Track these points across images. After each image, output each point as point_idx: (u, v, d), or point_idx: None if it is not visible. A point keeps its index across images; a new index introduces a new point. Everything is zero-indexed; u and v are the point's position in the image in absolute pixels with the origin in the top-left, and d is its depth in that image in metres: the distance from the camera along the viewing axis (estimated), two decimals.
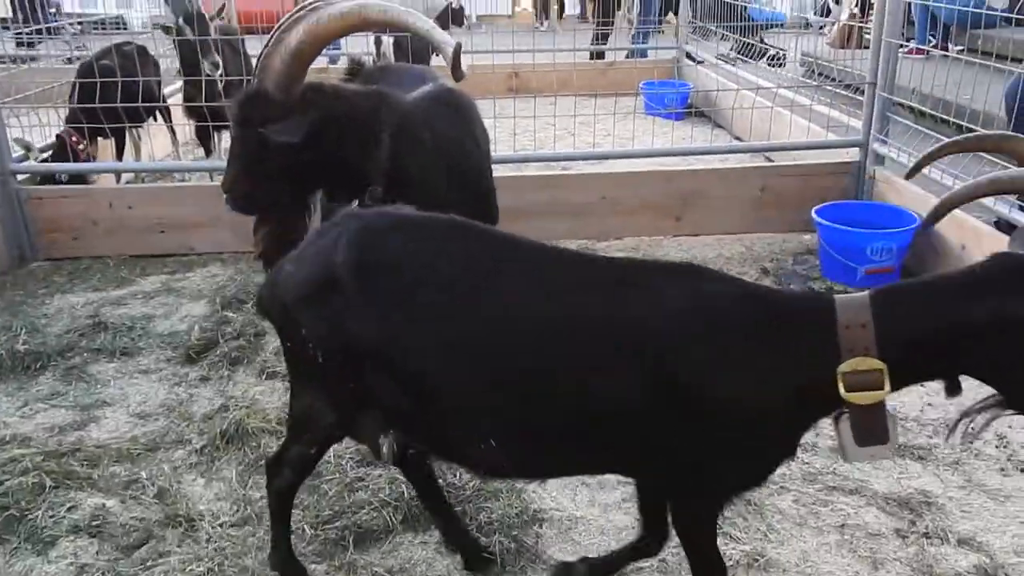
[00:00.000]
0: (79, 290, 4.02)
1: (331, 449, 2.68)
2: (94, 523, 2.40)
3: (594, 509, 2.49)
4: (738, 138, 6.56)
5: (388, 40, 7.90)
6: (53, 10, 8.85)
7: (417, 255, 1.76)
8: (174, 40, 5.20)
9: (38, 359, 3.32)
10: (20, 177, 4.48)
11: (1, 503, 2.46)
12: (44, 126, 4.98)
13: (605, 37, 9.50)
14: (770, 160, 5.67)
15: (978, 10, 5.56)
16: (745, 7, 7.95)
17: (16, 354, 3.33)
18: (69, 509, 2.44)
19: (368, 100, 2.53)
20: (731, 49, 8.03)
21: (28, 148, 4.64)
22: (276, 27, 2.41)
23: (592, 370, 1.63)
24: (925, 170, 3.96)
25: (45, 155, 4.84)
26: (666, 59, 8.78)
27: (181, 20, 5.03)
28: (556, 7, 14.43)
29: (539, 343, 1.66)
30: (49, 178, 4.69)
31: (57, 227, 4.40)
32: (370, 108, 2.50)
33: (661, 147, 5.58)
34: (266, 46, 2.40)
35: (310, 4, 2.47)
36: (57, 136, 4.88)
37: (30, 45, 7.28)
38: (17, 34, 6.22)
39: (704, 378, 1.59)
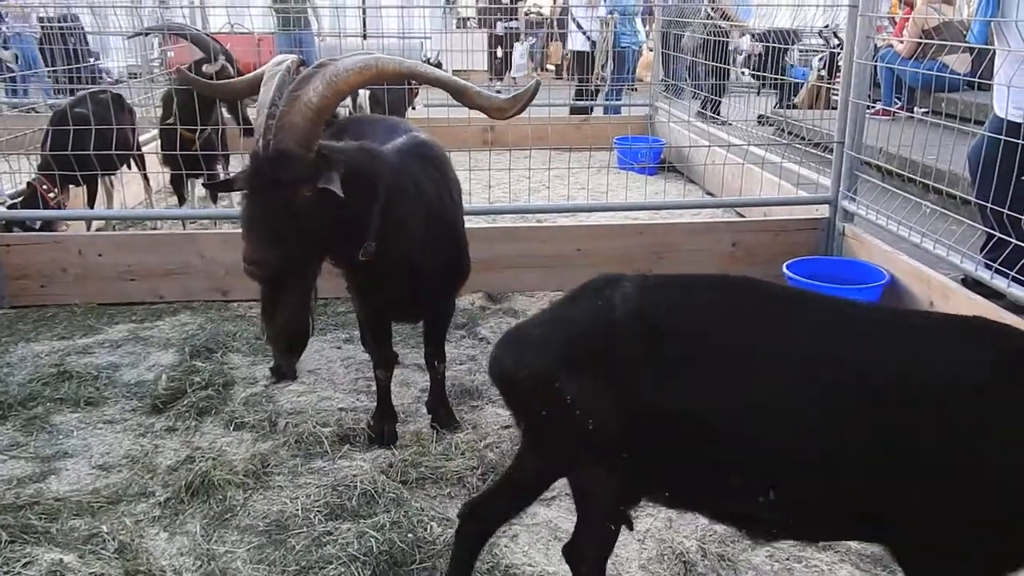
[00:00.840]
0: (44, 338, 3.95)
1: (298, 502, 2.65)
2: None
3: (566, 565, 2.44)
4: (710, 193, 6.67)
5: (364, 92, 7.99)
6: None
7: (703, 316, 1.71)
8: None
9: None
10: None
11: None
12: (15, 173, 4.94)
13: (585, 93, 9.70)
14: (741, 215, 5.76)
15: (941, 74, 5.74)
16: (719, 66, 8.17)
17: None
18: (25, 565, 2.35)
19: (363, 154, 2.56)
20: (704, 107, 8.23)
21: None
22: (278, 90, 2.41)
23: (896, 431, 1.55)
24: (893, 226, 4.07)
25: (14, 202, 4.79)
26: (639, 115, 8.95)
27: (223, 58, 5.05)
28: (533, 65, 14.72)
29: (832, 403, 1.59)
30: (19, 225, 4.64)
31: (25, 274, 4.33)
32: (372, 161, 2.54)
33: (635, 201, 5.66)
34: (273, 105, 2.38)
35: (289, 60, 2.56)
36: (28, 183, 4.84)
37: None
38: None
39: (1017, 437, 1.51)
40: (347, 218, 2.47)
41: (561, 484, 2.76)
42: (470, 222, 3.80)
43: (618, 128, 8.15)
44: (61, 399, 3.34)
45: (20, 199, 4.81)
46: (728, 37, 8.29)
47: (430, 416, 3.20)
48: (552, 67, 15.45)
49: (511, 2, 12.65)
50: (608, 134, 7.58)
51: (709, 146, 6.17)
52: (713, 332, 1.69)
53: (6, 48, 9.37)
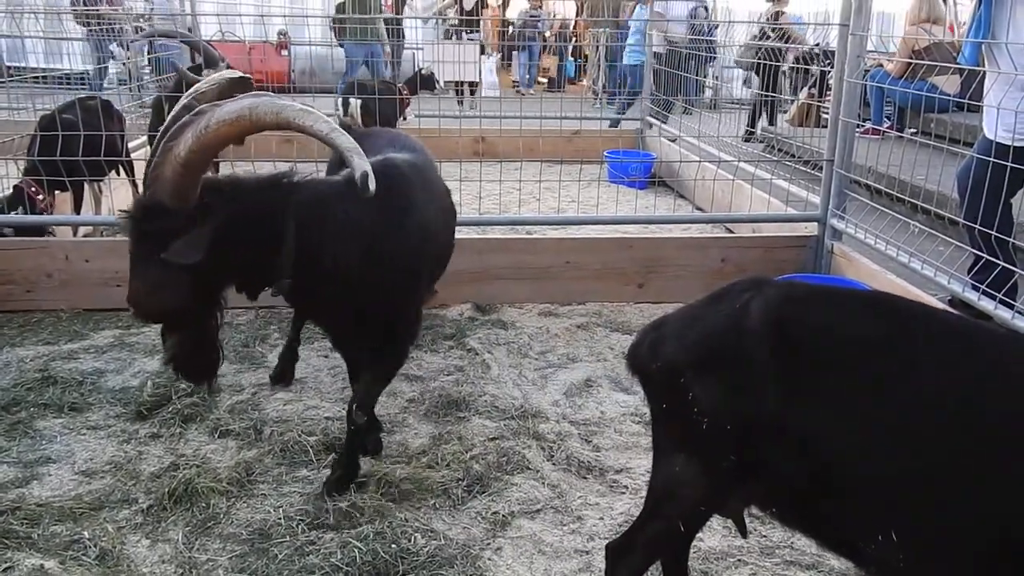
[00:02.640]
0: (29, 343, 3.92)
1: (280, 511, 2.64)
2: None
3: None
4: (700, 208, 6.70)
5: (355, 102, 8.01)
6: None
7: (839, 329, 1.66)
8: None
9: None
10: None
11: None
12: (3, 177, 4.91)
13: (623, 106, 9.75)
14: (731, 231, 5.79)
15: (931, 95, 5.80)
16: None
17: None
18: (5, 570, 2.33)
19: (274, 190, 2.46)
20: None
21: None
22: (161, 134, 2.32)
23: None
24: (881, 246, 4.10)
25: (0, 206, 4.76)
26: (630, 129, 9.00)
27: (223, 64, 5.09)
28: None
29: (972, 435, 1.51)
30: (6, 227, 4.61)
31: (11, 279, 4.30)
32: (275, 199, 2.43)
33: (625, 215, 5.68)
34: (153, 155, 2.31)
35: (194, 103, 2.40)
36: (15, 187, 4.81)
37: None
38: None
39: None
40: (241, 262, 2.42)
41: (545, 496, 2.78)
42: (459, 233, 3.80)
43: (609, 142, 8.20)
44: (45, 404, 3.32)
45: (9, 201, 4.78)
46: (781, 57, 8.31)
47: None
48: (544, 80, 15.53)
49: (476, 13, 12.56)
50: (599, 148, 7.62)
51: (699, 161, 6.21)
52: (851, 352, 1.63)
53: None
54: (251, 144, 5.50)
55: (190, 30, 7.81)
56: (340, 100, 8.15)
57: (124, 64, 8.40)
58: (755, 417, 1.64)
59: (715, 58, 9.23)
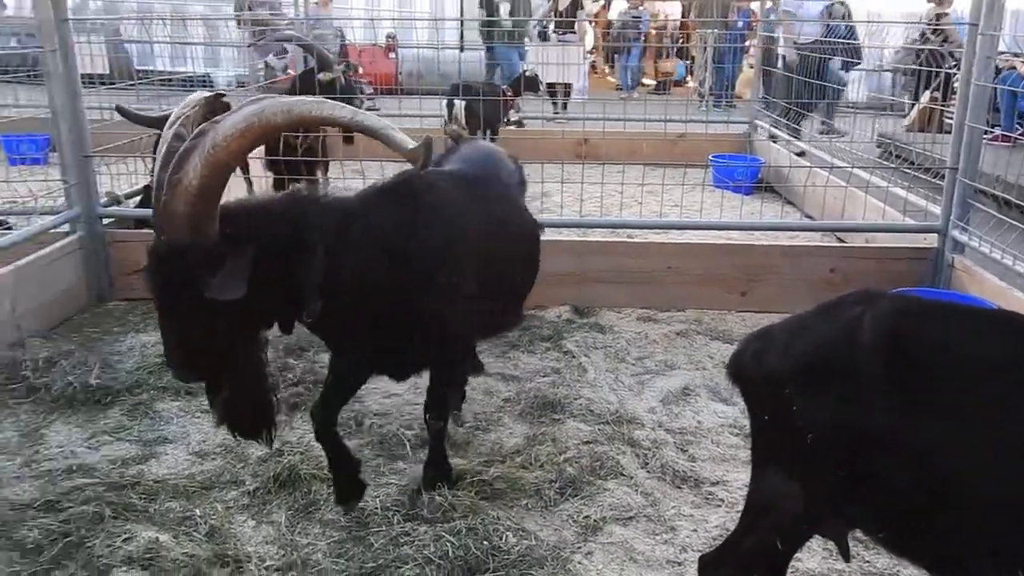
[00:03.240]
0: (151, 330, 4.15)
1: (378, 501, 2.71)
2: (147, 555, 2.43)
3: None
4: (809, 216, 6.49)
5: (460, 104, 8.13)
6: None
7: (961, 347, 1.62)
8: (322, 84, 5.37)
9: (108, 394, 3.43)
10: (105, 221, 4.70)
11: (62, 529, 2.53)
12: (132, 174, 5.23)
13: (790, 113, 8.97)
14: (842, 241, 5.58)
15: None
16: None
17: (88, 388, 3.45)
18: (125, 540, 2.49)
19: (296, 209, 2.29)
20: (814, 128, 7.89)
21: (112, 195, 4.88)
22: (160, 170, 2.11)
23: None
24: (1008, 261, 3.87)
25: (132, 200, 5.07)
26: (737, 133, 8.80)
27: (342, 67, 5.28)
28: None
29: None
30: (140, 223, 4.91)
31: (136, 269, 4.56)
32: (300, 218, 2.25)
33: (729, 220, 5.56)
34: (158, 194, 2.10)
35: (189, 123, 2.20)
36: (146, 186, 5.12)
37: None
38: (111, 90, 6.59)
39: None
40: (279, 292, 2.24)
41: (638, 503, 2.75)
42: (560, 234, 3.81)
43: (715, 146, 8.04)
44: (164, 388, 3.51)
45: (139, 198, 5.09)
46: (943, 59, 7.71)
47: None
48: (651, 82, 15.35)
49: (566, 14, 12.17)
50: (704, 151, 7.48)
51: (810, 167, 6.02)
52: (973, 369, 1.57)
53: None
54: (360, 143, 5.67)
55: (341, 34, 8.08)
56: (444, 102, 8.30)
57: (286, 71, 8.74)
58: (865, 432, 1.59)
59: (858, 62, 8.52)
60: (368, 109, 10.89)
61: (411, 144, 2.12)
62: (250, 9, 9.06)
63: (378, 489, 2.83)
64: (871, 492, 1.64)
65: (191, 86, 7.80)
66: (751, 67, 10.59)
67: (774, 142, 7.96)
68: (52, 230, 4.42)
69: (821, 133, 7.46)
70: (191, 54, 7.85)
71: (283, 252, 2.19)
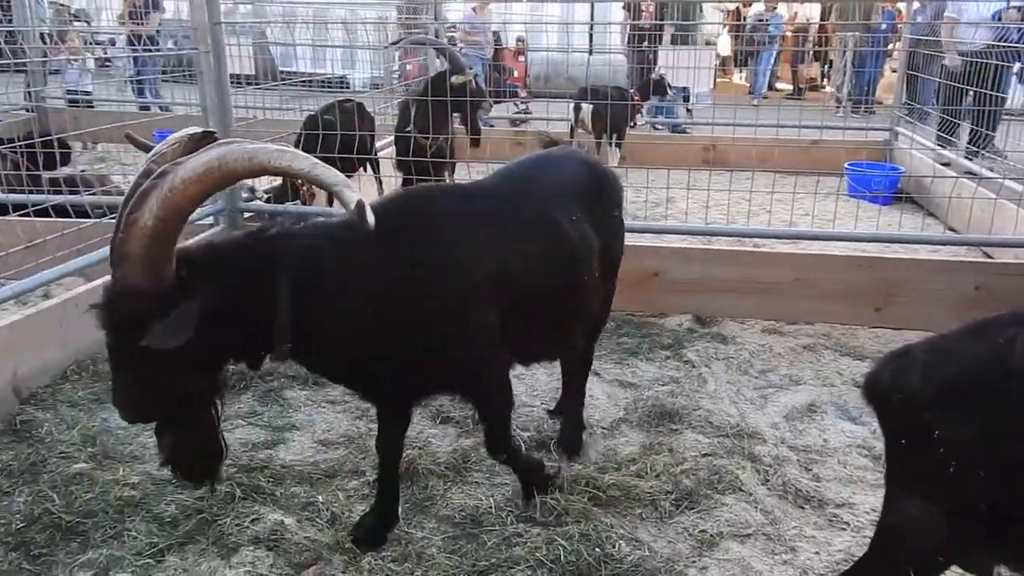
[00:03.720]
0: None
1: (492, 500, 2.74)
2: (272, 537, 2.55)
3: None
4: (952, 229, 6.11)
5: (587, 107, 8.11)
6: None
7: None
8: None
9: (242, 380, 3.61)
10: (246, 215, 4.98)
11: (197, 506, 2.69)
12: None
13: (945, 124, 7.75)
14: (989, 256, 5.23)
15: None
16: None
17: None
18: (253, 520, 2.62)
19: (258, 249, 2.17)
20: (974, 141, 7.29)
21: (253, 190, 5.15)
22: (122, 205, 2.04)
23: None
24: None
25: (271, 195, 5.34)
26: (877, 140, 8.38)
27: (474, 69, 5.41)
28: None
29: None
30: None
31: None
32: (262, 259, 2.14)
33: (865, 231, 5.30)
34: (117, 230, 2.02)
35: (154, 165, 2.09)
36: (282, 183, 5.39)
37: None
38: (257, 89, 6.96)
39: None
40: (237, 334, 2.14)
41: (757, 520, 2.67)
42: (684, 241, 3.72)
43: (851, 153, 7.69)
44: (293, 376, 3.67)
45: (276, 193, 5.36)
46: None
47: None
48: (787, 87, 14.83)
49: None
50: (840, 159, 7.17)
51: (956, 177, 5.66)
52: None
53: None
54: (486, 146, 5.75)
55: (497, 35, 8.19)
56: (573, 104, 8.32)
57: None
58: (1018, 464, 1.49)
59: None
60: (522, 112, 11.05)
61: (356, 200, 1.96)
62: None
63: (492, 489, 2.86)
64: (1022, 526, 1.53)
65: (329, 87, 8.13)
66: (893, 71, 10.06)
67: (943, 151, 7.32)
68: (198, 222, 4.70)
69: (973, 143, 6.91)
70: (330, 56, 8.18)
71: (245, 296, 2.09)
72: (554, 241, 2.58)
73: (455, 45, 10.93)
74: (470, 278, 2.35)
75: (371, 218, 1.90)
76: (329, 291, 2.18)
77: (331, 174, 1.97)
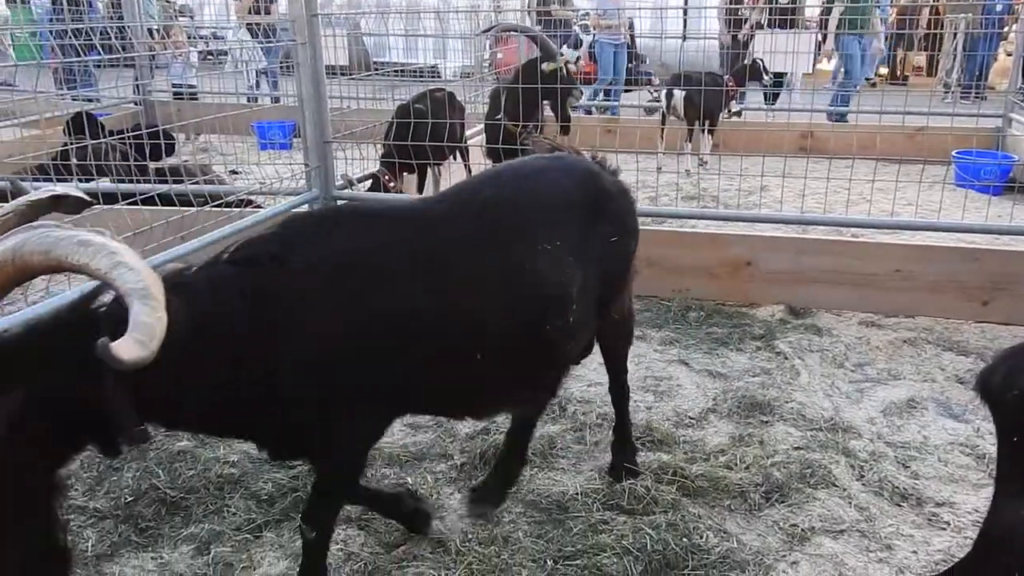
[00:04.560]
0: None
1: (578, 486, 2.75)
2: (364, 516, 2.63)
3: None
4: None
5: (679, 94, 7.97)
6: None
7: None
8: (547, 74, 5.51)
9: None
10: (339, 203, 5.11)
11: (292, 485, 2.80)
12: (364, 159, 5.63)
13: None
14: None
15: None
16: None
17: None
18: None
19: (75, 331, 1.77)
20: None
21: (350, 181, 5.29)
22: None
23: None
24: None
25: (363, 184, 5.47)
26: (988, 128, 7.95)
27: (569, 52, 5.39)
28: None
29: None
30: None
31: None
32: (77, 344, 1.69)
33: (972, 222, 5.05)
34: None
35: None
36: (372, 175, 5.51)
37: None
38: (352, 80, 7.12)
39: None
40: (54, 434, 1.80)
41: (851, 517, 2.59)
42: (778, 230, 3.61)
43: (960, 141, 7.32)
44: None
45: (369, 186, 5.49)
46: None
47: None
48: (909, 74, 14.21)
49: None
50: (947, 147, 6.84)
51: None
52: None
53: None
54: (577, 134, 5.73)
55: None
56: (664, 92, 8.19)
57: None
58: None
59: None
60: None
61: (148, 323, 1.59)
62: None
63: (578, 475, 2.86)
64: None
65: (420, 77, 8.24)
66: (1008, 55, 9.52)
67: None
68: (294, 210, 4.86)
69: None
70: (422, 46, 8.28)
71: (57, 390, 1.76)
72: (499, 282, 2.15)
73: (589, 33, 10.89)
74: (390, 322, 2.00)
75: (127, 358, 1.51)
76: (174, 377, 1.81)
77: (132, 277, 1.60)
